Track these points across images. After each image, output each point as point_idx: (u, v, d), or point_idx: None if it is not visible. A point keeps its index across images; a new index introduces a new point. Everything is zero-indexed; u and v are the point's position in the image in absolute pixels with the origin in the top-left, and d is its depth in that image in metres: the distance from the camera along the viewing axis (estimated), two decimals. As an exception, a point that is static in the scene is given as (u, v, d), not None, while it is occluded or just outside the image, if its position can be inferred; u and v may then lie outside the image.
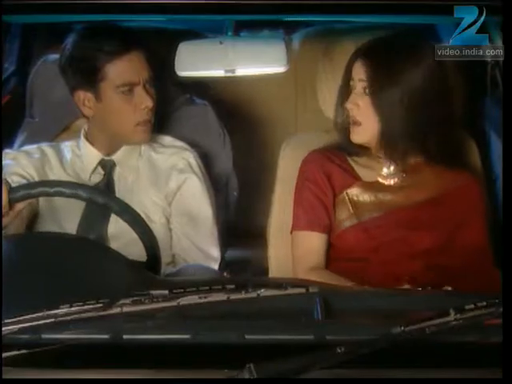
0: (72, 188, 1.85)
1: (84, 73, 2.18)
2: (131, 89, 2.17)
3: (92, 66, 2.16)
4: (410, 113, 1.98)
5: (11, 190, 1.82)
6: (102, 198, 1.84)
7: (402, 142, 2.02)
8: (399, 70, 1.98)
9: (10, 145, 2.48)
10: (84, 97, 2.20)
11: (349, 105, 2.03)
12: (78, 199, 1.86)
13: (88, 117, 2.24)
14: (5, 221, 1.84)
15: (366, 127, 2.02)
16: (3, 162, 2.18)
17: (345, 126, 2.09)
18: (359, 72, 2.01)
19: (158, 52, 2.44)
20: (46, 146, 2.32)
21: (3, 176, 1.90)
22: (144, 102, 2.17)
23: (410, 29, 2.23)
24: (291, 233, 2.11)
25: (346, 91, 2.06)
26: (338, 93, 2.09)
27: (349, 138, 2.08)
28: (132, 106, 2.18)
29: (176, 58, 2.20)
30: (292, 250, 2.11)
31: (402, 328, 1.32)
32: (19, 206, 1.85)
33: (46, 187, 1.85)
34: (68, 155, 2.31)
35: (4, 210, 1.80)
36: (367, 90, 2.00)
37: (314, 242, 2.07)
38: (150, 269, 1.77)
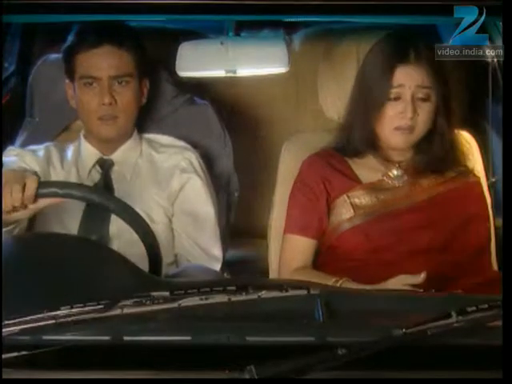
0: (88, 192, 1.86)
1: (66, 64, 2.25)
2: (95, 83, 2.20)
3: (69, 57, 2.23)
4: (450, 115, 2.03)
5: (40, 184, 1.83)
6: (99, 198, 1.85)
7: (444, 143, 2.04)
8: (450, 73, 2.01)
9: (11, 144, 2.48)
10: (69, 87, 2.26)
11: (408, 114, 1.98)
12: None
13: (74, 108, 2.28)
14: (21, 214, 1.86)
15: (418, 132, 2.02)
16: (7, 159, 2.19)
17: (349, 132, 2.07)
18: (413, 79, 1.99)
19: (159, 52, 2.44)
20: (51, 146, 2.34)
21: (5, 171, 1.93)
22: (102, 97, 2.18)
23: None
24: (283, 235, 2.12)
25: (384, 98, 2.01)
26: (363, 103, 2.05)
27: (353, 144, 2.07)
28: (93, 100, 2.20)
29: (177, 58, 2.20)
30: (280, 251, 2.12)
31: (404, 330, 1.32)
32: (42, 202, 1.86)
33: (73, 190, 1.86)
34: (69, 155, 2.32)
35: (26, 202, 1.81)
36: (430, 97, 1.99)
37: (302, 247, 2.08)
38: (151, 268, 1.77)
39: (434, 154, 2.05)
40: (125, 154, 2.29)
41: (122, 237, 2.12)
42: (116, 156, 2.29)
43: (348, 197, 2.06)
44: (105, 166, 2.28)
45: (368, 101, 2.04)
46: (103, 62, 2.19)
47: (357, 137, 2.08)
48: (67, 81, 2.27)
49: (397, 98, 2.00)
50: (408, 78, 1.99)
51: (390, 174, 2.09)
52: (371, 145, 2.07)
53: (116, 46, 2.20)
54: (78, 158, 2.30)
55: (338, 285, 1.91)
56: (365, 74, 2.06)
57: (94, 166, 2.28)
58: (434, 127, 2.03)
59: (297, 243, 2.08)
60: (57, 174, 2.26)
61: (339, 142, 2.12)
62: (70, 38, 2.24)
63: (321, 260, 2.10)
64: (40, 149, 2.31)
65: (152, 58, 2.39)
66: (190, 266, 2.15)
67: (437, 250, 2.01)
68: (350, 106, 2.09)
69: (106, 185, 2.26)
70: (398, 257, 1.99)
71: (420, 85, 1.99)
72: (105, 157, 2.29)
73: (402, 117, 1.99)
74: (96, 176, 2.28)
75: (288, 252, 2.09)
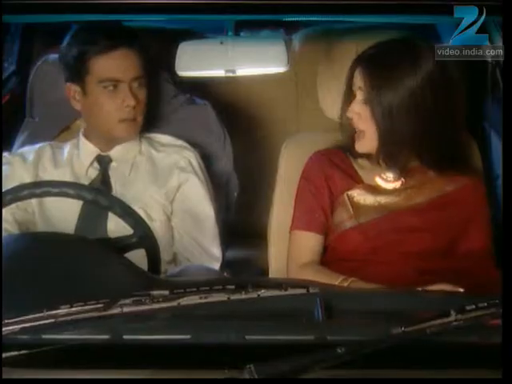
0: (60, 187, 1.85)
1: (73, 66, 2.22)
2: (115, 85, 2.19)
3: (80, 60, 2.20)
4: (412, 118, 1.97)
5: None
6: (90, 194, 1.85)
7: (403, 150, 2.02)
8: (399, 77, 1.96)
9: (11, 145, 2.49)
10: (73, 90, 2.24)
11: (350, 114, 2.01)
12: (66, 197, 1.86)
13: (77, 109, 2.27)
14: None
15: (369, 136, 2.01)
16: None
17: (350, 133, 2.07)
18: (358, 80, 2.00)
19: (158, 52, 2.44)
20: (45, 146, 2.34)
21: None
22: (126, 100, 2.19)
23: (406, 32, 2.22)
24: (290, 232, 2.11)
25: (347, 98, 2.04)
26: (342, 100, 2.07)
27: (353, 145, 2.07)
28: (115, 103, 2.20)
29: (176, 57, 2.21)
30: (288, 248, 2.11)
31: (403, 328, 1.32)
32: None
33: (33, 188, 1.86)
34: (66, 154, 2.32)
35: None
36: (367, 99, 1.98)
37: (309, 242, 2.07)
38: (150, 266, 1.77)
39: (431, 156, 2.05)
40: (123, 151, 2.30)
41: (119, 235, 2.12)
42: (114, 152, 2.29)
43: (348, 196, 2.07)
44: (103, 162, 2.29)
45: (343, 99, 2.06)
46: (123, 64, 2.19)
47: (346, 134, 2.09)
48: (71, 83, 2.24)
49: (350, 99, 2.01)
50: (356, 80, 1.99)
51: (389, 176, 2.09)
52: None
53: (131, 48, 2.20)
54: (74, 157, 2.30)
55: (346, 284, 1.91)
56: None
57: (92, 163, 2.28)
58: (427, 129, 2.01)
59: (304, 239, 2.07)
60: (47, 175, 2.26)
61: (342, 141, 2.12)
62: (79, 41, 2.21)
63: (322, 259, 2.09)
64: (31, 152, 2.31)
65: (152, 58, 2.39)
66: (189, 266, 2.15)
67: (436, 251, 2.01)
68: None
69: (103, 181, 2.26)
70: (398, 257, 1.99)
71: (362, 87, 1.97)
72: (103, 153, 2.29)
73: (349, 116, 2.01)
74: (94, 173, 2.28)
75: (295, 248, 2.08)
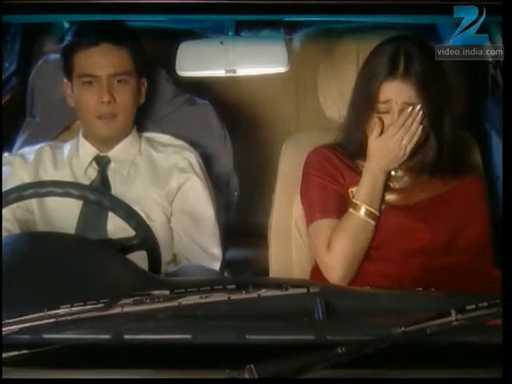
0: (63, 187, 1.86)
1: (64, 63, 2.25)
2: (94, 81, 2.20)
3: (67, 56, 2.23)
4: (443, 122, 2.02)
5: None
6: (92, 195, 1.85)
7: (443, 145, 2.03)
8: (442, 85, 1.99)
9: (11, 145, 2.49)
10: (67, 86, 2.27)
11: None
12: (69, 197, 1.86)
13: (73, 107, 2.29)
14: None
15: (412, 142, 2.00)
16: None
17: (352, 139, 2.07)
18: (401, 95, 1.96)
19: (159, 51, 2.45)
20: (45, 146, 2.34)
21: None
22: (101, 96, 2.18)
23: (415, 34, 2.22)
24: (308, 228, 2.08)
25: (366, 110, 2.00)
26: (356, 112, 2.05)
27: (355, 148, 2.06)
28: (92, 99, 2.20)
29: (177, 57, 2.21)
30: (310, 243, 2.07)
31: (403, 328, 1.32)
32: None
33: (38, 188, 1.86)
34: (66, 154, 2.32)
35: None
36: (419, 112, 1.95)
37: (331, 228, 2.02)
38: (150, 267, 1.77)
39: (433, 156, 2.05)
40: (122, 151, 2.30)
41: (120, 235, 2.12)
42: (113, 153, 2.29)
43: (352, 192, 2.05)
44: (101, 163, 2.29)
45: (361, 111, 2.03)
46: (102, 60, 2.19)
47: (353, 142, 2.08)
48: (65, 80, 2.27)
49: (385, 112, 2.00)
50: (395, 94, 1.97)
51: (391, 175, 2.08)
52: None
53: (114, 45, 2.20)
54: (74, 157, 2.31)
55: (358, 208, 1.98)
56: (358, 85, 2.05)
57: (90, 163, 2.29)
58: (431, 130, 2.01)
59: (324, 226, 2.02)
60: (48, 176, 2.26)
61: (343, 141, 2.12)
62: (68, 37, 2.25)
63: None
64: (31, 152, 2.32)
65: (152, 58, 2.39)
66: (188, 265, 2.16)
67: (437, 249, 2.01)
68: (348, 112, 2.09)
69: (102, 182, 2.26)
70: (398, 255, 2.00)
71: (407, 101, 1.96)
72: (101, 154, 2.29)
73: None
74: (93, 173, 2.28)
75: (317, 238, 2.03)
